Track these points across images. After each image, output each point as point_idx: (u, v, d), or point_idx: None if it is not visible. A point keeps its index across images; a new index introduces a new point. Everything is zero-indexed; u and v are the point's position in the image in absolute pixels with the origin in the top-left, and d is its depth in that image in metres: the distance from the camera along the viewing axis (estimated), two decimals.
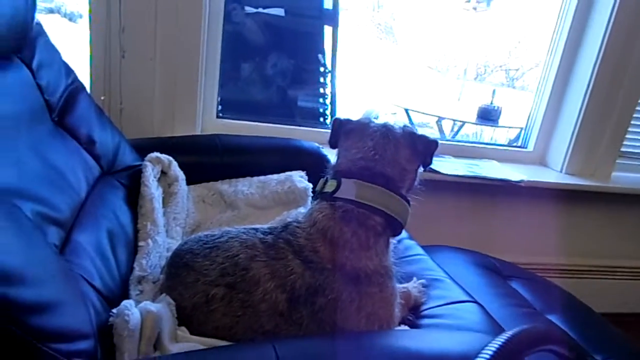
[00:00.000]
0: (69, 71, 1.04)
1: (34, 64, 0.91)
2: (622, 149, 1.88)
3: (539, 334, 0.36)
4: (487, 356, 0.30)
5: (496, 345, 0.32)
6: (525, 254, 1.82)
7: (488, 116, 2.09)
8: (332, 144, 0.94)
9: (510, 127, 2.09)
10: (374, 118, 0.93)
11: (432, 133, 2.38)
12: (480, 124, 2.05)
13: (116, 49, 1.40)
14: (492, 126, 2.03)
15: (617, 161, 1.88)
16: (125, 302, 0.66)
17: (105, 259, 0.79)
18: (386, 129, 0.87)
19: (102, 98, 1.43)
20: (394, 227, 0.83)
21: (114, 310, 0.65)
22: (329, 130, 0.94)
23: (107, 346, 0.63)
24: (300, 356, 0.58)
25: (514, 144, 2.00)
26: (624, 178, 1.90)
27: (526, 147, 1.94)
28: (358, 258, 0.78)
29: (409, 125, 0.92)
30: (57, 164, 0.83)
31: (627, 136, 1.86)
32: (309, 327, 0.75)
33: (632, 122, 1.83)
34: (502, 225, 1.84)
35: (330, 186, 0.84)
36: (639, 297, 2.05)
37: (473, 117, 2.24)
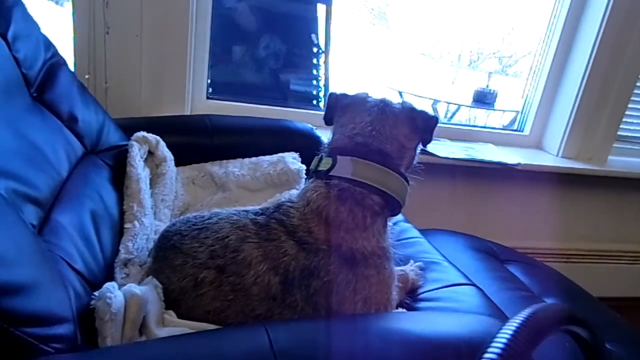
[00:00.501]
0: (48, 45, 0.98)
1: (9, 35, 0.85)
2: (620, 133, 1.86)
3: (561, 313, 0.33)
4: (508, 335, 0.27)
5: (516, 324, 0.29)
6: (521, 238, 1.80)
7: (484, 99, 2.06)
8: (328, 120, 0.90)
9: (506, 111, 2.05)
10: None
11: None
12: (476, 107, 2.01)
13: (100, 25, 1.34)
14: (488, 109, 1.99)
15: (614, 145, 1.87)
16: (107, 285, 0.62)
17: (88, 241, 0.74)
18: (384, 104, 0.83)
19: (87, 77, 1.38)
20: (392, 206, 0.80)
21: (96, 293, 0.61)
22: (323, 112, 0.90)
23: (88, 331, 0.59)
24: (294, 339, 0.55)
25: (511, 128, 1.97)
26: (621, 162, 1.89)
27: (522, 131, 1.91)
28: (354, 239, 0.75)
29: (407, 101, 0.88)
30: (35, 140, 0.78)
31: (624, 120, 1.84)
32: (303, 310, 0.72)
33: (630, 105, 1.81)
34: (498, 209, 1.82)
35: (325, 164, 0.80)
36: (635, 281, 2.05)
37: (467, 102, 2.21)
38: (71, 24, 1.34)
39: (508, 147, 1.83)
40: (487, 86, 2.09)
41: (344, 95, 0.88)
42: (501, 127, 2.09)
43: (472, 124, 2.65)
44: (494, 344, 0.26)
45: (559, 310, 0.33)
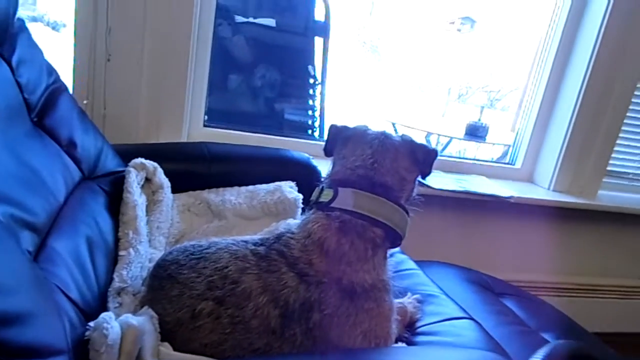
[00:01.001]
0: (50, 70, 0.99)
1: (14, 60, 0.85)
2: (609, 168, 1.90)
3: (576, 351, 0.32)
4: None
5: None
6: (514, 271, 1.80)
7: (476, 133, 2.10)
8: (328, 151, 0.90)
9: (498, 144, 2.09)
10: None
11: None
12: (469, 140, 2.04)
13: (102, 52, 1.35)
14: (480, 142, 2.03)
15: (604, 180, 1.90)
16: (104, 315, 0.61)
17: (83, 269, 0.73)
18: (385, 136, 0.84)
19: (85, 102, 1.38)
20: (393, 239, 0.80)
21: (91, 324, 0.59)
22: (318, 142, 0.91)
23: None
24: None
25: (502, 161, 2.00)
26: (610, 197, 1.92)
27: (514, 164, 1.94)
28: (355, 271, 0.74)
29: (406, 134, 0.89)
30: (34, 165, 0.77)
31: (614, 155, 1.88)
32: (302, 344, 0.70)
33: (618, 141, 1.86)
34: (491, 242, 1.83)
35: (326, 195, 0.80)
36: (627, 317, 2.05)
37: (459, 134, 2.24)
38: (72, 50, 1.35)
39: (500, 180, 1.86)
40: (479, 120, 2.13)
41: (345, 128, 0.89)
42: (492, 160, 2.12)
43: (462, 156, 2.69)
44: None
45: (573, 349, 0.32)
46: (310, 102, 2.03)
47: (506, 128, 2.18)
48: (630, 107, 1.82)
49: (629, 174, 2.02)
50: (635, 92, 1.80)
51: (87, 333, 0.59)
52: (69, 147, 0.94)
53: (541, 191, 1.83)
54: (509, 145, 2.02)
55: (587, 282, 1.98)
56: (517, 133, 1.94)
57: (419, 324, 0.90)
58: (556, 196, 1.80)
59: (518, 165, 1.93)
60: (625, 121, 1.83)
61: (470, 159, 1.93)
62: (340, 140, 0.88)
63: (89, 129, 1.05)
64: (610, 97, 1.75)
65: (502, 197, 1.64)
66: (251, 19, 1.88)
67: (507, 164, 1.96)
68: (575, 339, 1.11)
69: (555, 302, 1.49)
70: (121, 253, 0.87)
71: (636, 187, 2.03)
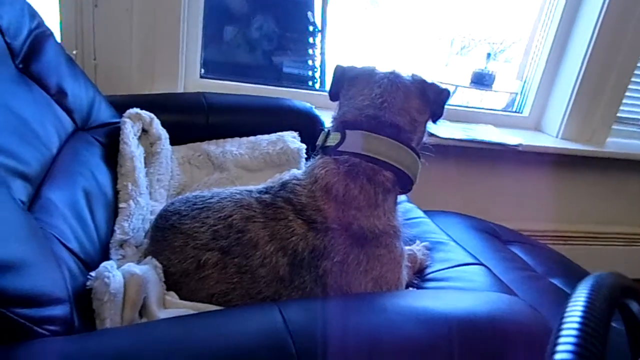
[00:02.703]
0: (33, 14, 0.92)
1: None
2: (619, 114, 1.85)
3: (621, 282, 0.30)
4: (581, 312, 0.24)
5: (583, 299, 0.25)
6: (520, 220, 1.78)
7: (482, 81, 2.03)
8: (333, 95, 0.85)
9: (505, 92, 2.02)
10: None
11: None
12: (475, 88, 1.98)
13: None
14: (487, 90, 1.96)
15: (614, 127, 1.85)
16: (105, 264, 0.58)
17: (81, 220, 0.70)
18: (394, 75, 0.79)
19: (74, 52, 1.31)
20: (404, 182, 0.76)
21: (92, 273, 0.57)
22: (320, 92, 0.86)
23: (85, 313, 0.55)
24: (310, 317, 0.51)
25: (509, 109, 1.95)
26: (620, 144, 1.88)
27: (521, 112, 1.89)
28: (366, 217, 0.71)
29: (417, 73, 0.84)
30: (22, 113, 0.73)
31: (624, 101, 1.82)
32: (312, 292, 0.68)
33: (630, 86, 1.79)
34: (498, 191, 1.80)
35: (333, 139, 0.76)
36: (633, 263, 2.06)
37: (465, 83, 2.17)
38: None
39: (507, 128, 1.81)
40: (486, 68, 2.05)
41: (351, 68, 0.84)
42: (499, 109, 2.07)
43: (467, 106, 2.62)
44: (568, 320, 0.23)
45: (618, 280, 0.29)
46: (310, 51, 1.95)
47: (511, 77, 2.11)
48: None
49: (639, 120, 1.97)
50: None
51: (88, 283, 0.56)
52: (59, 96, 0.89)
53: (549, 139, 1.79)
54: (516, 94, 1.96)
55: (593, 229, 1.97)
56: (524, 81, 1.88)
57: (428, 270, 0.88)
58: (564, 144, 1.76)
59: (526, 113, 1.87)
60: (637, 65, 1.76)
61: (477, 108, 1.88)
62: (347, 80, 0.82)
63: (79, 78, 0.99)
64: (622, 43, 1.68)
65: (509, 145, 1.60)
66: None
67: (515, 112, 1.90)
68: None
69: (561, 249, 1.48)
70: (121, 205, 0.84)
71: None
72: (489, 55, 2.06)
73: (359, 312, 0.53)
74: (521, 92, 1.90)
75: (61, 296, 0.50)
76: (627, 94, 1.81)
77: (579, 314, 0.23)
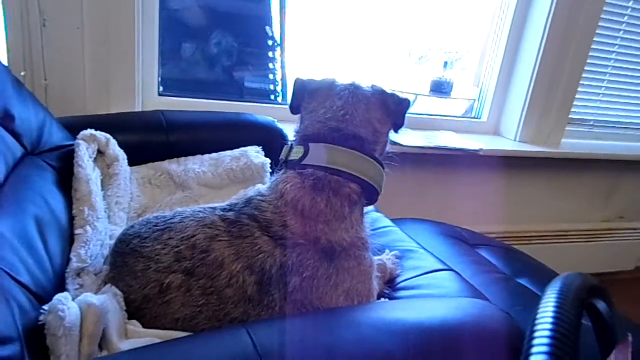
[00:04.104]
0: None
1: None
2: (571, 116, 1.93)
3: (587, 282, 0.30)
4: (552, 314, 0.23)
5: (553, 301, 0.25)
6: (485, 223, 1.82)
7: (441, 89, 2.07)
8: (294, 108, 0.84)
9: (464, 99, 2.08)
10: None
11: None
12: (434, 96, 2.02)
13: (35, 16, 1.22)
14: (446, 98, 2.01)
15: (567, 128, 1.93)
16: (59, 296, 0.54)
17: (33, 250, 0.65)
18: (355, 87, 0.79)
19: (23, 74, 1.25)
20: (370, 194, 0.76)
21: (45, 307, 0.53)
22: (281, 106, 0.85)
23: (39, 350, 0.51)
24: (280, 338, 0.49)
25: (468, 115, 2.00)
26: (574, 144, 1.96)
27: (480, 118, 1.94)
28: (333, 230, 0.70)
29: (376, 84, 0.84)
30: None
31: (575, 104, 1.90)
32: (282, 310, 0.67)
33: (579, 89, 1.88)
34: (461, 196, 1.84)
35: (296, 153, 0.75)
36: (592, 258, 2.13)
37: (424, 91, 2.21)
38: (1, 16, 1.21)
39: (467, 134, 1.85)
40: (443, 76, 2.10)
41: (311, 81, 0.83)
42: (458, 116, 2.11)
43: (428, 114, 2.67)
44: (540, 323, 0.23)
45: (584, 281, 0.30)
46: (271, 65, 1.94)
47: (468, 84, 2.17)
48: (590, 54, 1.83)
49: (590, 121, 2.06)
50: (595, 39, 1.81)
51: (41, 317, 0.52)
52: (5, 120, 0.84)
53: (508, 143, 1.85)
54: (474, 100, 2.02)
55: (554, 228, 2.04)
56: (481, 88, 1.94)
57: (399, 279, 0.88)
58: (522, 147, 1.82)
59: (484, 118, 1.93)
60: (585, 68, 1.85)
61: (437, 115, 1.92)
62: (307, 94, 0.82)
63: (27, 101, 0.94)
64: (569, 49, 1.76)
65: (471, 150, 1.63)
66: None
67: (474, 118, 1.95)
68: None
69: (525, 249, 1.51)
70: (77, 232, 0.80)
71: (596, 134, 2.08)
72: (446, 64, 2.12)
73: (331, 329, 0.52)
74: (479, 98, 1.96)
75: (10, 335, 0.46)
76: (578, 96, 1.89)
77: (550, 318, 0.23)
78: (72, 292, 0.70)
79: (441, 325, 0.53)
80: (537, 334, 0.22)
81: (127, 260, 0.71)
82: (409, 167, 1.67)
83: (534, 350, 0.21)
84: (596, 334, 0.39)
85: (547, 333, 0.22)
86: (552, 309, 0.24)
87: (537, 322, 0.23)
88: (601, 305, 0.33)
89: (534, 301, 0.99)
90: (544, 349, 0.21)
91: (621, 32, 1.92)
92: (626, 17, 1.90)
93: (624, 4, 1.87)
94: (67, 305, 0.53)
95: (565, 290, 0.27)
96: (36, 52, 1.24)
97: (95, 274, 0.77)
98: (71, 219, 0.83)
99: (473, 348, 0.50)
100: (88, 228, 0.80)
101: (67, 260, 0.75)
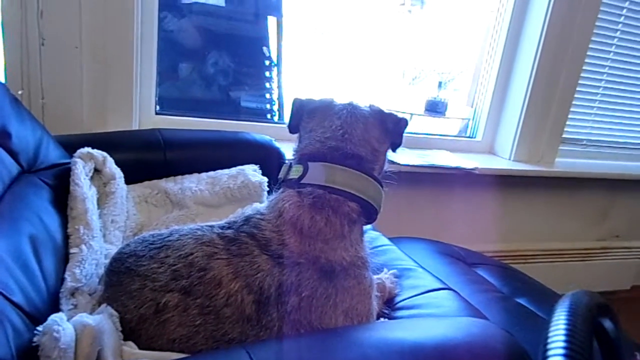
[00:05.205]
0: None
1: None
2: (564, 136, 1.95)
3: (595, 301, 0.30)
4: (564, 332, 0.23)
5: (564, 321, 0.25)
6: (480, 242, 1.82)
7: (435, 108, 2.09)
8: (292, 127, 0.85)
9: (458, 118, 2.10)
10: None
11: None
12: (429, 116, 2.04)
13: (34, 36, 1.22)
14: (440, 117, 2.03)
15: (560, 147, 1.95)
16: (53, 316, 0.53)
17: (27, 269, 0.64)
18: (352, 107, 0.80)
19: (20, 92, 1.25)
20: (369, 212, 0.76)
21: (40, 328, 0.52)
22: (278, 125, 0.86)
23: None
24: (281, 359, 0.48)
25: (462, 135, 2.02)
26: (566, 163, 1.98)
27: (475, 137, 1.96)
28: (333, 249, 0.70)
29: (374, 104, 0.85)
30: None
31: (568, 123, 1.93)
32: (281, 330, 0.66)
33: (572, 109, 1.91)
34: (456, 215, 1.84)
35: (295, 172, 0.75)
36: (590, 277, 2.13)
37: (419, 111, 2.23)
38: (0, 35, 1.22)
39: (462, 153, 1.87)
40: (437, 96, 2.12)
41: (310, 101, 0.84)
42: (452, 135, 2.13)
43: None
44: (554, 343, 0.22)
45: (592, 299, 0.29)
46: (267, 84, 1.96)
47: (461, 104, 2.20)
48: (582, 74, 1.86)
49: (583, 140, 2.08)
50: (586, 60, 1.85)
51: (35, 338, 0.51)
52: (2, 138, 0.84)
53: (503, 161, 1.86)
54: (468, 120, 2.04)
55: (550, 247, 2.04)
56: (475, 108, 1.96)
57: (398, 298, 0.87)
58: (517, 165, 1.83)
59: (479, 137, 1.95)
60: (577, 89, 1.88)
61: (432, 135, 1.93)
62: (306, 113, 0.82)
63: (24, 118, 0.94)
64: (561, 69, 1.80)
65: (466, 169, 1.64)
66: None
67: (469, 137, 1.97)
68: (549, 302, 1.12)
69: (521, 268, 1.51)
70: (72, 250, 0.79)
71: (590, 153, 2.11)
72: (440, 83, 2.14)
73: (333, 349, 0.51)
74: (473, 117, 1.98)
75: (4, 356, 0.45)
76: (570, 116, 1.92)
77: (562, 336, 0.23)
78: (65, 312, 0.68)
79: (443, 345, 0.52)
80: (551, 352, 0.22)
81: (122, 279, 0.69)
82: (404, 186, 1.67)
83: None
84: (602, 353, 0.39)
85: (561, 351, 0.21)
86: (563, 327, 0.23)
87: (549, 340, 0.23)
88: (608, 324, 0.33)
89: (534, 321, 0.99)
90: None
91: (611, 54, 1.97)
92: (615, 40, 1.94)
93: (614, 27, 1.91)
94: (62, 325, 0.52)
95: (575, 308, 0.26)
96: (34, 70, 1.24)
97: (90, 293, 0.76)
98: (66, 237, 0.82)
99: None
100: (83, 247, 0.79)
101: (61, 280, 0.73)
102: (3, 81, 1.14)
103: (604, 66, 1.97)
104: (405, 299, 0.86)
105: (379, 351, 0.50)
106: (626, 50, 1.98)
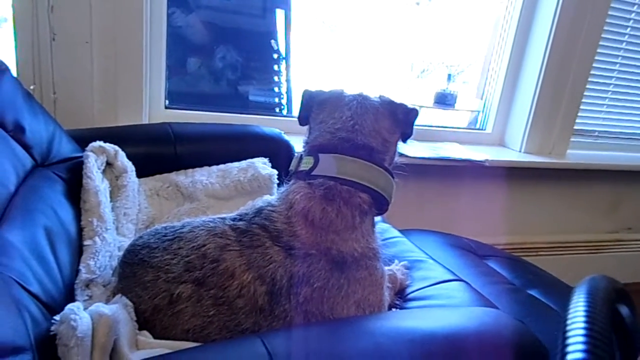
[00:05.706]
0: None
1: None
2: (576, 127, 1.93)
3: (614, 286, 0.29)
4: (584, 315, 0.23)
5: (583, 305, 0.25)
6: (491, 234, 1.81)
7: (445, 100, 2.08)
8: (302, 119, 0.85)
9: (467, 111, 2.08)
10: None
11: None
12: (438, 108, 2.03)
13: (45, 31, 1.23)
14: (449, 109, 2.02)
15: (572, 139, 1.93)
16: (71, 306, 0.54)
17: (43, 260, 0.65)
18: (363, 97, 0.80)
19: (32, 87, 1.26)
20: (380, 203, 0.76)
21: (57, 317, 0.53)
22: (287, 118, 0.86)
23: None
24: (295, 347, 0.49)
25: (472, 127, 2.00)
26: (578, 155, 1.95)
27: (485, 129, 1.94)
28: (344, 240, 0.70)
29: (384, 95, 0.84)
30: None
31: (579, 114, 1.91)
32: (294, 321, 0.66)
33: (583, 100, 1.88)
34: (466, 207, 1.83)
35: (306, 164, 0.76)
36: (601, 270, 2.11)
37: (428, 103, 2.22)
38: (12, 31, 1.23)
39: (472, 145, 1.85)
40: (447, 88, 2.11)
41: (319, 92, 0.84)
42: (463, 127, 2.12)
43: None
44: (573, 325, 0.22)
45: (611, 283, 0.29)
46: (276, 78, 1.96)
47: (471, 97, 2.18)
48: (594, 64, 1.84)
49: (594, 131, 2.06)
50: (598, 50, 1.82)
51: (53, 327, 0.52)
52: (16, 132, 0.85)
53: (513, 154, 1.85)
54: (477, 112, 2.03)
55: (561, 239, 2.03)
56: (485, 100, 1.94)
57: (409, 290, 0.87)
58: (527, 157, 1.82)
59: (489, 130, 1.93)
60: (589, 79, 1.85)
61: (442, 127, 1.92)
62: (316, 105, 0.82)
63: (37, 113, 0.95)
64: (572, 59, 1.77)
65: (477, 161, 1.63)
66: None
67: (479, 129, 1.96)
68: (562, 294, 1.12)
69: (532, 260, 1.50)
70: (86, 242, 0.80)
71: (601, 144, 2.08)
72: (449, 76, 2.13)
73: (346, 338, 0.51)
74: (483, 109, 1.96)
75: (22, 344, 0.46)
76: (582, 107, 1.90)
77: (582, 319, 0.23)
78: (81, 303, 0.69)
79: (456, 334, 0.52)
80: (571, 334, 0.21)
81: (135, 271, 0.70)
82: (414, 179, 1.66)
83: (571, 348, 0.20)
84: (617, 339, 0.38)
85: (581, 338, 0.21)
86: (583, 311, 0.23)
87: (569, 321, 0.23)
88: (624, 310, 0.33)
89: (546, 312, 0.98)
90: (581, 347, 0.21)
91: (624, 44, 1.94)
92: (629, 29, 1.91)
93: (627, 16, 1.88)
94: (79, 315, 0.52)
95: (594, 290, 0.26)
96: (45, 66, 1.25)
97: (104, 285, 0.77)
98: (80, 229, 0.83)
99: (489, 356, 0.49)
100: (97, 239, 0.80)
101: (75, 271, 0.74)
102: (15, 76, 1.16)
103: (616, 56, 1.94)
104: (416, 290, 0.86)
105: (390, 340, 0.50)
106: (639, 40, 1.95)
